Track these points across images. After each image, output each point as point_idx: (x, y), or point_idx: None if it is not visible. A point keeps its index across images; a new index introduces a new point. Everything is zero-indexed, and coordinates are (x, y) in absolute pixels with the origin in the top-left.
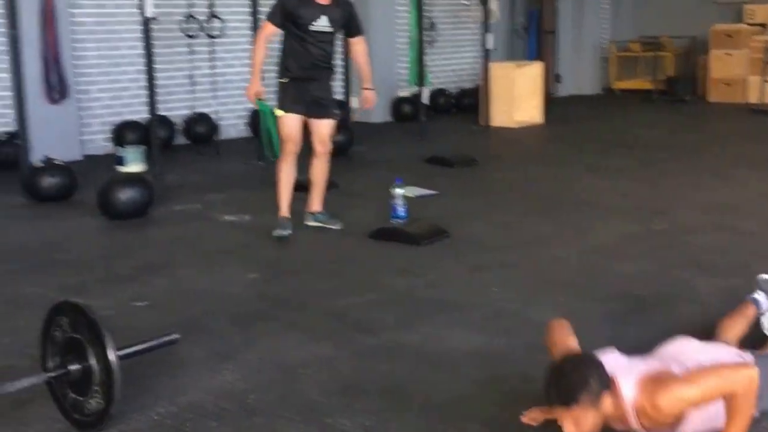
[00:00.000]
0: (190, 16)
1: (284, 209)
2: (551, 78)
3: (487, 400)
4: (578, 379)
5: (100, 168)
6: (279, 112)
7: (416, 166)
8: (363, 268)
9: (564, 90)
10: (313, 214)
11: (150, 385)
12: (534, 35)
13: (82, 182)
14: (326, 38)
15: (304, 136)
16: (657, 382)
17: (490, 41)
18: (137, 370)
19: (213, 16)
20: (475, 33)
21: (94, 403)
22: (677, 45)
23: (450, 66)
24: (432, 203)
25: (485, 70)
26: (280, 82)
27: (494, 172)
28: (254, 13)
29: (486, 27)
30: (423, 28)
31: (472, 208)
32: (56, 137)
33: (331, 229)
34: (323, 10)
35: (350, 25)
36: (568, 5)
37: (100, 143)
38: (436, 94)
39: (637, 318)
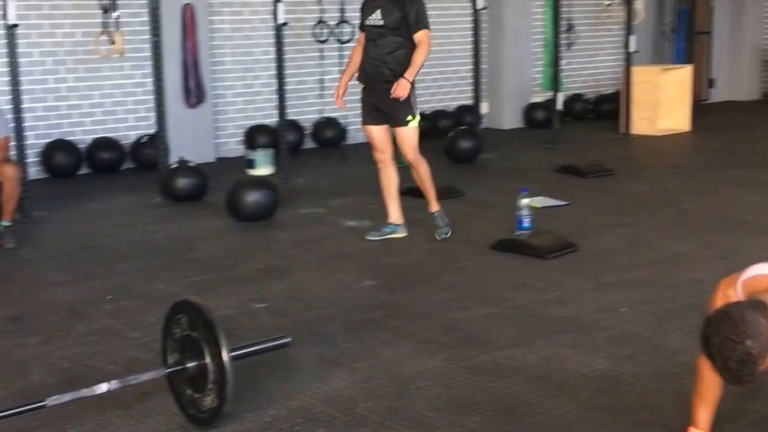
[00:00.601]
0: (320, 22)
1: (391, 215)
2: (703, 82)
3: (607, 430)
4: (744, 359)
5: (231, 170)
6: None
7: (547, 175)
8: (483, 281)
9: (717, 95)
10: (431, 214)
11: (263, 386)
12: (683, 36)
13: (213, 184)
14: (380, 34)
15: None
16: None
17: (633, 43)
18: (252, 370)
19: (343, 21)
20: (617, 35)
21: (209, 400)
22: None
23: (588, 70)
24: (561, 215)
25: (626, 75)
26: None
27: (631, 184)
28: None
29: (629, 28)
30: (560, 30)
31: (605, 221)
32: (192, 140)
33: (447, 237)
34: (379, 4)
35: (408, 20)
36: (725, 3)
37: (233, 146)
38: (572, 99)
39: None
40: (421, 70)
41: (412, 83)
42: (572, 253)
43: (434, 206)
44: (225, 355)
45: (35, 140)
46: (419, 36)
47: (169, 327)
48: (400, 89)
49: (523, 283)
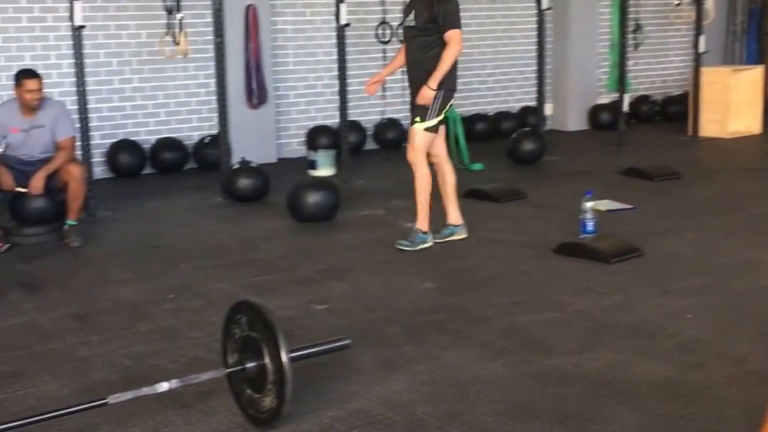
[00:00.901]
0: (383, 22)
1: (449, 216)
2: None
3: None
4: None
5: (292, 171)
6: None
7: (612, 177)
8: (545, 285)
9: None
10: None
11: (322, 388)
12: (755, 36)
13: (275, 184)
14: (413, 35)
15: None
16: None
17: (703, 44)
18: (311, 372)
19: None
20: (687, 35)
21: (268, 401)
22: None
23: (656, 71)
24: (626, 218)
25: (695, 76)
26: None
27: (699, 188)
28: None
29: (699, 28)
30: (626, 30)
31: (671, 225)
32: (254, 141)
33: (401, 249)
34: (414, 4)
35: (437, 20)
36: None
37: (295, 147)
38: (639, 101)
39: None
40: (484, 71)
41: (441, 87)
42: (637, 258)
43: (419, 222)
44: (284, 356)
45: (101, 140)
46: (448, 36)
47: (229, 327)
48: (422, 98)
49: (586, 287)
